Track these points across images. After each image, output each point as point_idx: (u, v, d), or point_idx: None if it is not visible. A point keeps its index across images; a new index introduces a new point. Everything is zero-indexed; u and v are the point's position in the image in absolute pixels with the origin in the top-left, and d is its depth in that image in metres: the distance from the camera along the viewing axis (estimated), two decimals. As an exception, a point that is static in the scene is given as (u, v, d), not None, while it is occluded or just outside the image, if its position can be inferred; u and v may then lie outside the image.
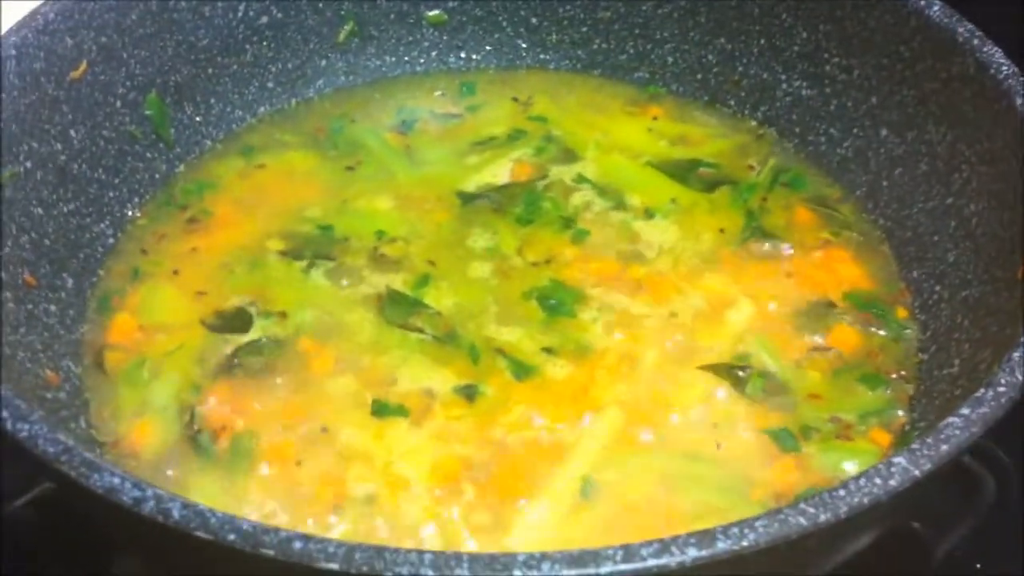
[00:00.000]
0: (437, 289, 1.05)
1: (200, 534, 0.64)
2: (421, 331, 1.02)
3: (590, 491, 0.90)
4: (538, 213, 1.14)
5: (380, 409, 0.95)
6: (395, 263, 1.08)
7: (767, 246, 1.10)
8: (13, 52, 1.00)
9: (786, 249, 1.10)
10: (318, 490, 0.90)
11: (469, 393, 0.97)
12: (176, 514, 0.65)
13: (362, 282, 1.07)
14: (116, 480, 0.66)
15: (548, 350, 1.00)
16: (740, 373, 0.99)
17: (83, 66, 1.07)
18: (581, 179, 1.17)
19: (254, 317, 1.03)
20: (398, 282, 1.06)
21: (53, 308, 1.00)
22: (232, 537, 0.63)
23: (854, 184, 1.15)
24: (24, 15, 1.03)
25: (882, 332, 1.03)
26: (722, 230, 1.12)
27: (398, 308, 1.04)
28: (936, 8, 1.05)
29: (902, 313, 1.04)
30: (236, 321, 1.03)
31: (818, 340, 1.02)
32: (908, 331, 1.03)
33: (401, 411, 0.95)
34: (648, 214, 1.14)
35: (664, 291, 1.06)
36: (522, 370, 0.99)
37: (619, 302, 1.05)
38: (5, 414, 0.71)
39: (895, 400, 0.98)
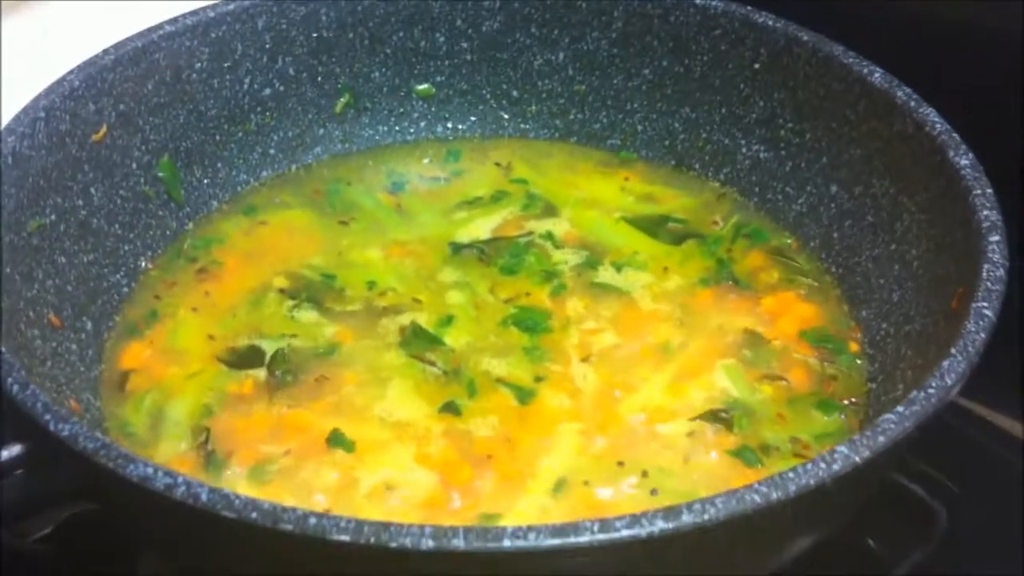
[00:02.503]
0: (457, 329, 1.15)
1: (226, 513, 0.72)
2: (433, 364, 1.11)
3: (561, 491, 0.99)
4: (522, 266, 1.23)
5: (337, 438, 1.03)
6: (389, 310, 1.17)
7: (734, 291, 1.20)
8: (43, 114, 1.09)
9: (749, 294, 1.20)
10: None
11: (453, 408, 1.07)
12: (204, 497, 0.73)
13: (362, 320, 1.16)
14: (150, 470, 0.75)
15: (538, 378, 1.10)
16: (723, 415, 1.07)
17: (103, 130, 1.17)
18: (559, 234, 1.27)
19: (265, 349, 1.12)
20: (422, 320, 1.16)
21: (74, 347, 1.09)
22: (254, 515, 0.72)
23: (808, 236, 1.25)
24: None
25: (836, 365, 1.12)
26: (696, 278, 1.22)
27: (419, 342, 1.13)
28: (877, 75, 1.17)
29: (854, 347, 1.14)
30: (249, 357, 1.12)
31: (777, 372, 1.11)
32: (859, 362, 1.12)
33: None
34: (624, 265, 1.23)
35: (638, 328, 1.16)
36: (524, 394, 1.08)
37: (596, 339, 1.14)
38: (48, 417, 0.80)
39: (848, 424, 1.07)
